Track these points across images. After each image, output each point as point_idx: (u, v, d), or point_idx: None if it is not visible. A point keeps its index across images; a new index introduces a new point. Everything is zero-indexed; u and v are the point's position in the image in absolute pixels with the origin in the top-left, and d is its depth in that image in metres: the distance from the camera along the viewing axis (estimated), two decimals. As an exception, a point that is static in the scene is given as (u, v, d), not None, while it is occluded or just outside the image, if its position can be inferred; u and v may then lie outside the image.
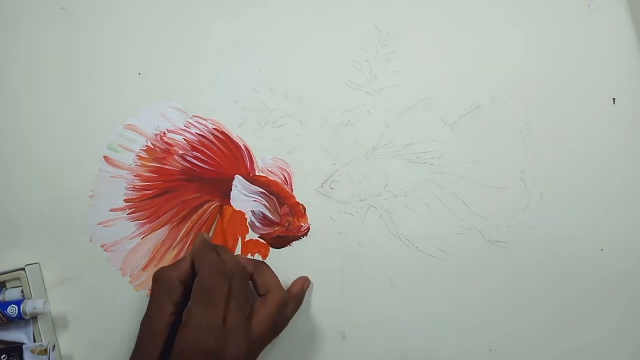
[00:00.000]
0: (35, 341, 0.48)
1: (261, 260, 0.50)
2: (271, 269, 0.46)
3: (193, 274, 0.42)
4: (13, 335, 0.48)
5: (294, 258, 0.50)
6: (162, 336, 0.39)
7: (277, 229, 0.51)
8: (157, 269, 0.50)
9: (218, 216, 0.51)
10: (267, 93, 0.52)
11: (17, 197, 0.51)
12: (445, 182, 0.51)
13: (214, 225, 0.51)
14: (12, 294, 0.48)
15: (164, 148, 0.52)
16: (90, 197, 0.51)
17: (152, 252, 0.51)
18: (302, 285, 0.48)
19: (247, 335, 0.40)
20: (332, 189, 0.51)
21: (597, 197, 0.50)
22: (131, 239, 0.51)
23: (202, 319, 0.38)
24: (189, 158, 0.52)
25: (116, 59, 0.53)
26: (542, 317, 0.50)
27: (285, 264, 0.50)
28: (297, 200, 0.51)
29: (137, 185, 0.51)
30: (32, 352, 0.47)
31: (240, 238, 0.51)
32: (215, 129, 0.52)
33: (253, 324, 0.41)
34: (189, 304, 0.40)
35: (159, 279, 0.41)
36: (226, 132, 0.52)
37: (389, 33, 0.52)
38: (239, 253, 0.51)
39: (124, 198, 0.51)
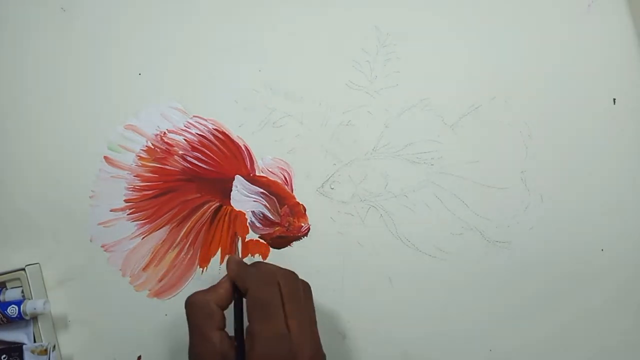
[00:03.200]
0: (35, 341, 0.48)
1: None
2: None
3: (230, 298, 0.40)
4: (13, 335, 0.48)
5: (294, 258, 0.50)
6: None
7: (277, 229, 0.51)
8: (157, 268, 0.50)
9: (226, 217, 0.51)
10: (267, 93, 0.52)
11: (17, 197, 0.51)
12: (445, 182, 0.51)
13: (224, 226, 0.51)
14: (12, 294, 0.48)
15: (164, 148, 0.52)
16: (90, 197, 0.51)
17: (152, 252, 0.51)
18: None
19: (314, 333, 0.39)
20: (332, 189, 0.51)
21: (597, 197, 0.51)
22: (131, 239, 0.51)
23: (266, 334, 0.36)
24: (189, 158, 0.52)
25: (116, 59, 0.53)
26: (542, 316, 0.50)
27: (285, 265, 0.50)
28: (297, 200, 0.51)
29: (137, 185, 0.51)
30: (32, 352, 0.47)
31: (240, 238, 0.51)
32: (215, 129, 0.52)
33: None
34: (249, 326, 0.37)
35: (194, 304, 0.39)
36: (226, 132, 0.52)
37: (389, 33, 0.52)
38: (239, 253, 0.51)
39: (124, 198, 0.51)
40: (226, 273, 0.42)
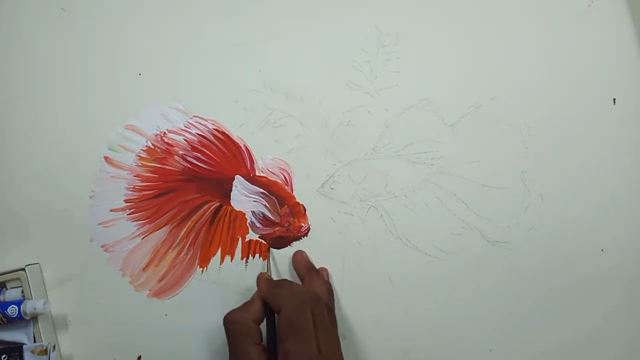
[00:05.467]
0: (35, 341, 0.48)
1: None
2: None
3: (263, 314, 0.43)
4: (13, 335, 0.48)
5: (294, 258, 0.50)
6: None
7: (277, 229, 0.51)
8: (157, 268, 0.50)
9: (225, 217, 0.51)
10: (267, 93, 0.52)
11: (17, 197, 0.51)
12: (445, 182, 0.51)
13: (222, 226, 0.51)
14: (12, 294, 0.48)
15: (164, 148, 0.52)
16: (90, 197, 0.51)
17: (152, 252, 0.51)
18: (325, 279, 0.49)
19: (339, 351, 0.42)
20: (332, 189, 0.51)
21: (597, 197, 0.50)
22: (131, 239, 0.51)
23: (300, 354, 0.39)
24: (189, 158, 0.52)
25: (116, 59, 0.53)
26: (542, 317, 0.50)
27: (285, 264, 0.50)
28: (297, 200, 0.51)
29: (137, 185, 0.51)
30: (32, 352, 0.47)
31: (240, 238, 0.51)
32: (215, 129, 0.52)
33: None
34: (282, 345, 0.40)
35: (234, 322, 0.42)
36: (226, 132, 0.52)
37: (389, 33, 0.52)
38: (239, 253, 0.51)
39: (124, 198, 0.51)
40: (256, 290, 0.46)
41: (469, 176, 0.51)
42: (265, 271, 0.49)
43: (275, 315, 0.43)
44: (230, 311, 0.43)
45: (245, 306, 0.44)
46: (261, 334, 0.42)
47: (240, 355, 0.41)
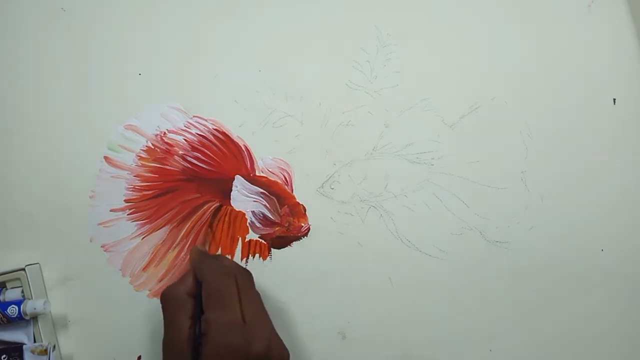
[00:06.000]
0: (35, 341, 0.48)
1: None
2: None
3: (198, 285, 0.42)
4: (13, 335, 0.48)
5: (294, 258, 0.50)
6: (188, 351, 0.39)
7: (277, 229, 0.51)
8: (157, 269, 0.50)
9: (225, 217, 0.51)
10: (267, 93, 0.52)
11: (17, 197, 0.51)
12: (445, 182, 0.51)
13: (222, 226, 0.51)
14: (12, 294, 0.48)
15: (164, 148, 0.52)
16: (90, 197, 0.51)
17: (152, 252, 0.51)
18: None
19: (268, 323, 0.41)
20: (332, 189, 0.51)
21: (597, 197, 0.51)
22: (131, 239, 0.51)
23: (220, 321, 0.38)
24: (189, 158, 0.52)
25: (116, 59, 0.53)
26: (542, 316, 0.50)
27: (285, 264, 0.50)
28: (297, 200, 0.51)
29: (137, 185, 0.51)
30: (32, 352, 0.47)
31: (240, 238, 0.51)
32: (215, 129, 0.52)
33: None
34: (204, 314, 0.40)
35: (169, 298, 0.42)
36: (226, 132, 0.52)
37: (389, 33, 0.52)
38: (239, 253, 0.51)
39: (124, 198, 0.51)
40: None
41: (469, 176, 0.51)
42: (205, 244, 0.48)
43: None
44: (168, 286, 0.43)
45: (180, 279, 0.43)
46: (194, 307, 0.41)
47: (171, 328, 0.40)
